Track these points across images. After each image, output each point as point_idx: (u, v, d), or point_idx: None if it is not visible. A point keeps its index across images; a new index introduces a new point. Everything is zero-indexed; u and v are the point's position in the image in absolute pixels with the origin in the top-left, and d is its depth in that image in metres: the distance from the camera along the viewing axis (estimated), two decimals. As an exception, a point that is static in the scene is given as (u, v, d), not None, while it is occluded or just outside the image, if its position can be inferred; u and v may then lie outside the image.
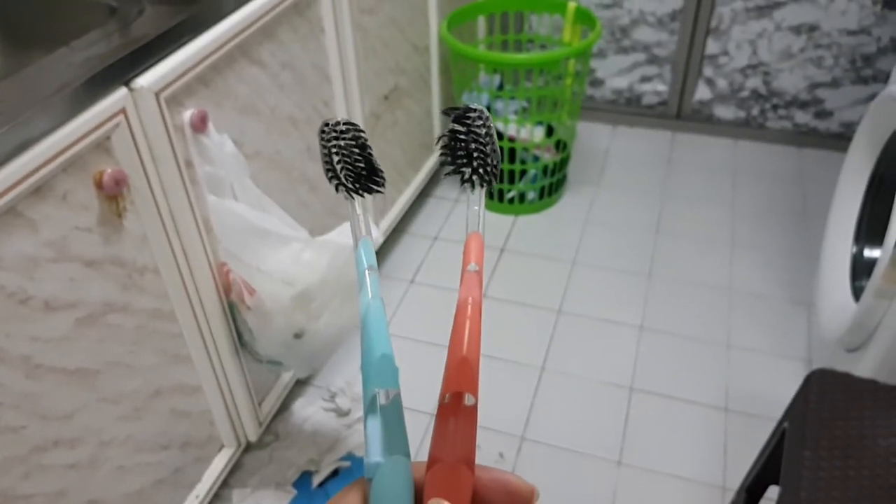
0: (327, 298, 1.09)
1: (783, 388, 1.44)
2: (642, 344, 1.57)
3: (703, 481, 1.30)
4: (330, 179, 0.34)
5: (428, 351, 1.55)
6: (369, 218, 0.33)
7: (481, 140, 0.34)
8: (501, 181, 1.92)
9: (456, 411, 0.30)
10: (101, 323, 0.88)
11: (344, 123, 0.35)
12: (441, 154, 0.35)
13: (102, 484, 0.94)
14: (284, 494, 1.28)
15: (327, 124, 0.35)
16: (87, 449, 0.90)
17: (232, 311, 1.12)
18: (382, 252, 1.81)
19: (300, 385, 1.48)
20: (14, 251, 0.75)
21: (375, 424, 0.29)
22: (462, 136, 0.34)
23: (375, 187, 0.35)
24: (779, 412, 1.00)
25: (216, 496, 1.25)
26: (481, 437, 1.38)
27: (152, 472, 1.04)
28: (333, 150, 0.34)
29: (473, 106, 0.35)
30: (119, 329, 0.92)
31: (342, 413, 1.41)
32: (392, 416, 0.29)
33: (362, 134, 0.35)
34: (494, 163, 0.34)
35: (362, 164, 0.35)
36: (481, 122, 0.34)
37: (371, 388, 0.30)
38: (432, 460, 0.29)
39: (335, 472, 1.32)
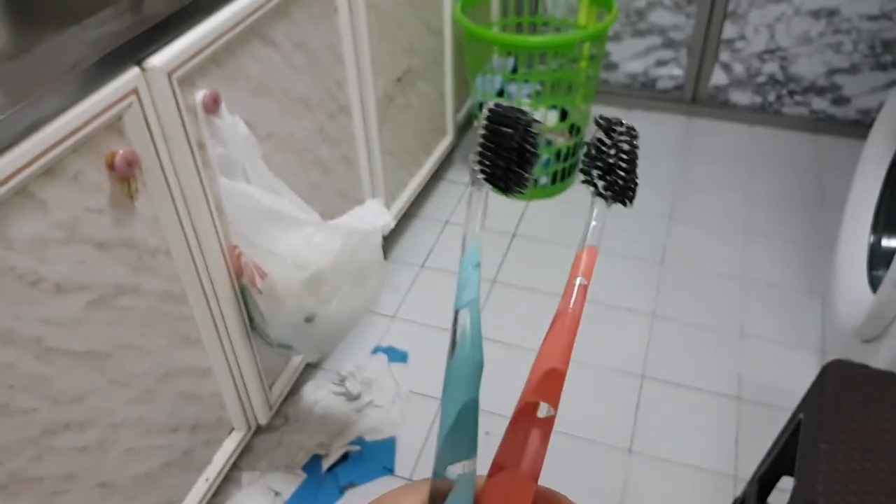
0: (338, 282, 1.09)
1: (796, 377, 1.43)
2: (654, 332, 1.56)
3: (715, 470, 1.29)
4: (496, 166, 0.35)
5: (437, 336, 1.54)
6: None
7: (624, 156, 0.33)
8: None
9: (531, 421, 0.30)
10: (111, 305, 0.88)
11: (528, 116, 0.33)
12: (583, 162, 0.34)
13: (112, 466, 0.94)
14: (294, 478, 1.28)
15: (497, 107, 0.33)
16: (97, 432, 0.90)
17: (243, 294, 1.11)
18: (393, 236, 1.80)
19: (310, 369, 1.48)
20: (25, 232, 0.74)
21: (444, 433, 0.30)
22: (605, 149, 0.33)
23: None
24: (792, 402, 0.99)
25: (226, 479, 1.26)
26: (491, 424, 1.37)
27: (162, 454, 1.04)
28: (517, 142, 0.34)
29: (624, 121, 0.34)
30: (130, 311, 0.91)
31: (352, 397, 1.41)
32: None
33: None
34: (631, 185, 0.33)
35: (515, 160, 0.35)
36: (628, 139, 0.33)
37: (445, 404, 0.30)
38: (497, 467, 0.29)
39: (345, 456, 1.32)
